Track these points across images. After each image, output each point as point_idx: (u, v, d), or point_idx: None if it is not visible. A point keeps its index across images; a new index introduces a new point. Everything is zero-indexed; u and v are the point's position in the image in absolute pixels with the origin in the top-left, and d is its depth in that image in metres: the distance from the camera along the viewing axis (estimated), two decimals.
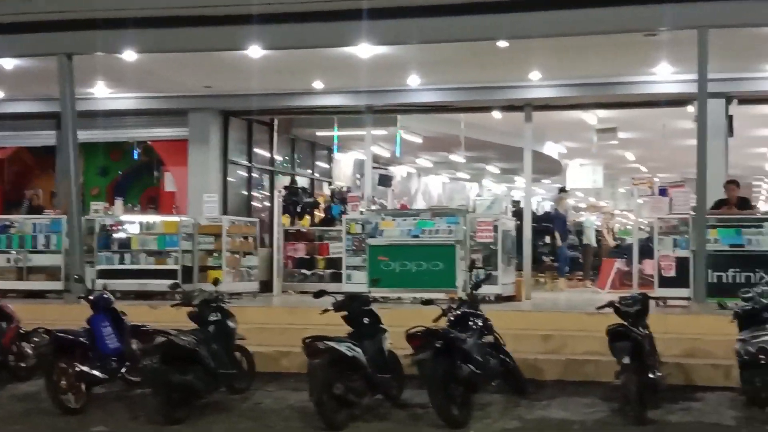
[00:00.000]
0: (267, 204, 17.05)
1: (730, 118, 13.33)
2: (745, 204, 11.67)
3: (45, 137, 16.14)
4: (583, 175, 20.63)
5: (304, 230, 15.31)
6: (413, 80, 13.76)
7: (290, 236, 14.86)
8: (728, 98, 13.10)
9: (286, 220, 15.47)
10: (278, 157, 17.38)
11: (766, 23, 10.45)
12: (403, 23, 10.89)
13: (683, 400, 8.03)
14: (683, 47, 10.86)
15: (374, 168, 17.19)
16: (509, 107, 14.59)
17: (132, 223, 13.64)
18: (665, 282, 11.29)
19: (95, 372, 7.93)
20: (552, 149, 20.00)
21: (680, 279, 11.14)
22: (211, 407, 7.90)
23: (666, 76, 12.95)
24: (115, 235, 13.53)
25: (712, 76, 10.48)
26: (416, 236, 12.29)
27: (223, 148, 15.74)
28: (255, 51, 11.52)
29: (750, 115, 14.64)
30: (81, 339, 7.96)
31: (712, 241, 10.81)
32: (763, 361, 7.16)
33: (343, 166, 20.28)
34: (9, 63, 12.85)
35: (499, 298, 12.21)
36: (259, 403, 8.20)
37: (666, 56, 12.13)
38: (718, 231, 10.96)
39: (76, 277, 10.67)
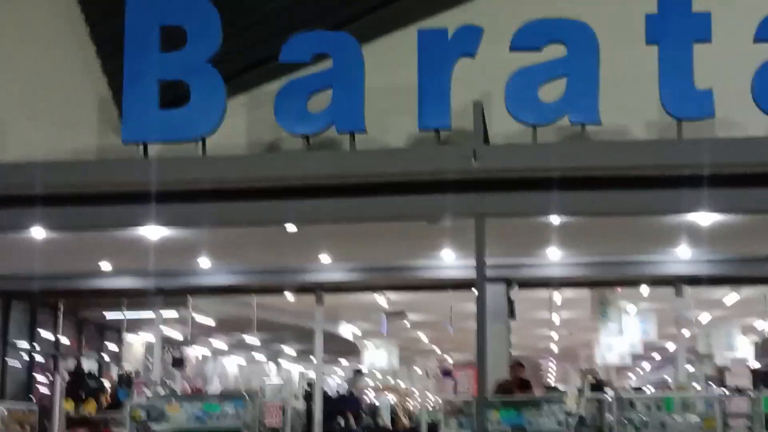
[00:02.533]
0: (49, 389, 16.43)
1: (511, 303, 13.94)
2: (525, 385, 12.13)
3: None
4: (379, 356, 20.93)
5: (89, 416, 14.81)
6: (204, 262, 13.81)
7: (74, 422, 14.34)
8: (509, 282, 13.74)
9: (70, 405, 14.93)
10: (64, 340, 16.89)
11: (541, 213, 11.09)
12: (193, 207, 11.00)
13: None
14: (465, 234, 11.38)
15: (167, 350, 16.94)
16: (301, 289, 14.81)
17: None
18: None
19: None
20: (347, 330, 20.28)
21: None
22: None
23: (450, 260, 13.51)
24: None
25: (493, 262, 10.98)
26: (202, 421, 12.11)
27: (2, 331, 15.19)
28: (38, 232, 11.34)
29: (532, 299, 15.37)
30: None
31: (495, 423, 11.13)
32: None
33: (134, 348, 19.87)
34: None
35: None
36: None
37: (449, 242, 12.68)
38: (500, 412, 11.30)
39: None
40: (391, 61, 12.04)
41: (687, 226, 11.06)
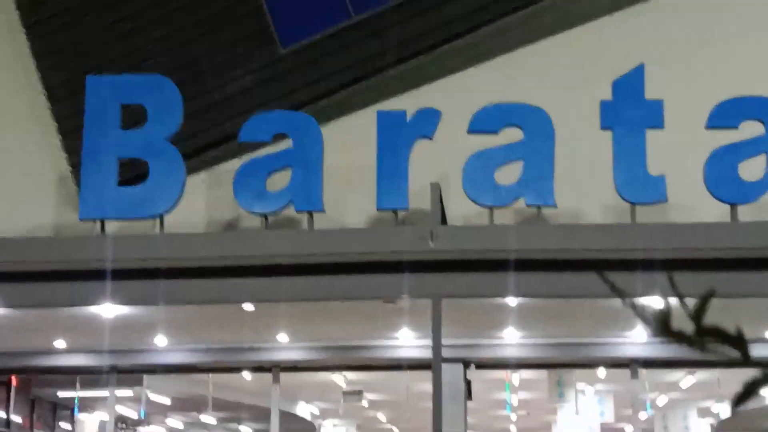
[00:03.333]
0: None
1: (468, 383, 13.90)
2: None
3: None
4: None
5: None
6: (160, 340, 13.69)
7: None
8: (466, 363, 13.71)
9: None
10: (16, 418, 16.59)
11: (497, 294, 11.13)
12: (149, 284, 10.95)
13: None
14: (422, 314, 11.40)
15: (122, 429, 16.69)
16: (258, 368, 14.69)
17: None
18: None
19: None
20: (304, 410, 20.08)
21: None
22: None
23: (408, 341, 13.49)
24: None
25: (450, 342, 11.01)
26: None
27: None
28: None
29: (490, 380, 15.35)
30: None
31: None
32: None
33: (87, 427, 19.53)
34: None
35: None
36: None
37: (407, 322, 12.69)
38: None
39: None
40: (350, 141, 12.18)
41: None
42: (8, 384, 16.19)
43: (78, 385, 15.74)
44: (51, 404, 17.85)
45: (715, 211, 10.89)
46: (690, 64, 12.73)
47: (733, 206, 10.56)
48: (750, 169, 10.70)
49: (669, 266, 10.12)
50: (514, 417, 21.53)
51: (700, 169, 10.65)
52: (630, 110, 10.77)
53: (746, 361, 2.03)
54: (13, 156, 13.51)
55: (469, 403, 14.04)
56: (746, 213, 10.65)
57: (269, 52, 13.55)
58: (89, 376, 15.37)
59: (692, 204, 11.00)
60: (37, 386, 16.80)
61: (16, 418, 16.54)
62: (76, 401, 16.51)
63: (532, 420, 22.06)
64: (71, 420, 18.40)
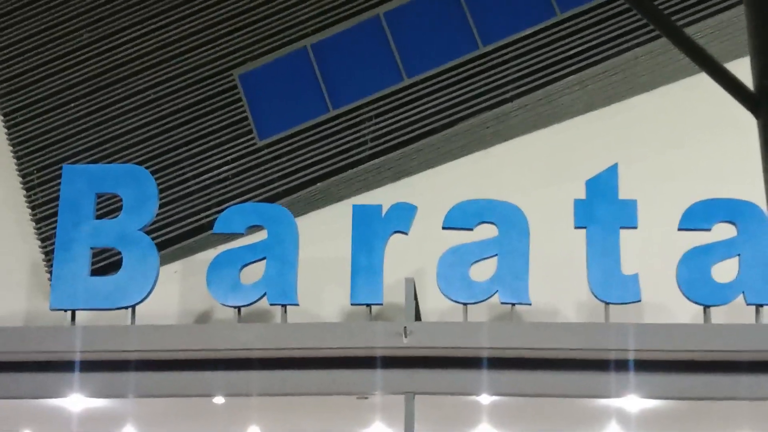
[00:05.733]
0: None
1: None
2: None
3: None
4: None
5: None
6: None
7: None
8: None
9: None
10: None
11: (471, 392, 11.00)
12: (119, 376, 10.78)
13: None
14: (396, 410, 11.26)
15: None
16: None
17: None
18: None
19: None
20: None
21: None
22: None
23: None
24: None
25: None
26: None
27: None
28: None
29: None
30: None
31: None
32: None
33: None
34: None
35: None
36: None
37: (380, 418, 12.53)
38: None
39: None
40: (325, 234, 12.19)
41: (615, 410, 11.09)
42: None
43: None
44: None
45: (689, 312, 10.92)
46: (663, 164, 12.91)
47: (706, 308, 10.59)
48: (723, 272, 10.76)
49: (643, 367, 10.12)
50: None
51: (674, 268, 10.70)
52: (603, 209, 10.83)
53: None
54: None
55: None
56: (719, 315, 10.69)
57: (246, 143, 13.65)
58: None
59: (666, 304, 11.03)
60: None
61: None
62: None
63: None
64: None
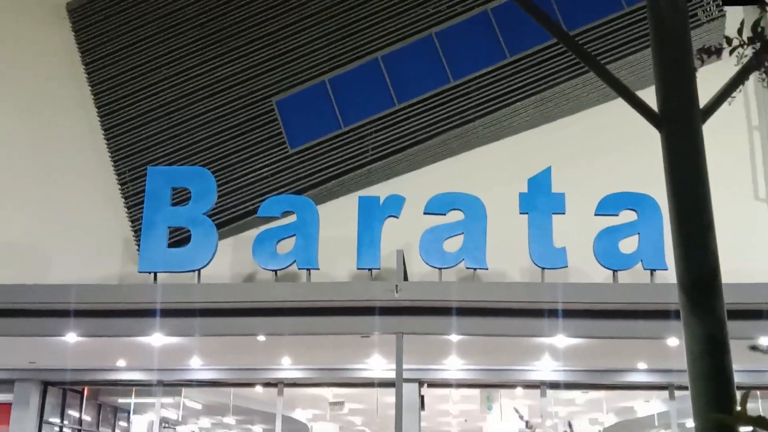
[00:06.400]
0: None
1: (422, 398, 13.76)
2: None
3: None
4: None
5: None
6: (195, 362, 13.52)
7: None
8: (420, 383, 13.59)
9: None
10: (87, 418, 16.29)
11: (445, 332, 11.08)
12: (188, 321, 10.86)
13: None
14: (389, 346, 11.35)
15: (165, 428, 16.37)
16: (267, 384, 14.50)
17: None
18: None
19: None
20: (301, 415, 19.79)
21: None
22: None
23: (378, 365, 13.37)
24: None
25: (409, 367, 10.94)
26: None
27: (40, 411, 14.60)
28: (71, 337, 11.09)
29: (438, 395, 15.19)
30: None
31: None
32: None
33: (138, 426, 19.17)
34: None
35: None
36: None
37: (377, 351, 12.59)
38: None
39: None
40: (339, 218, 12.24)
41: (548, 346, 11.19)
42: (81, 393, 15.92)
43: (133, 394, 15.50)
44: (113, 408, 17.53)
45: (602, 274, 11.01)
46: (585, 167, 12.95)
47: (614, 272, 10.67)
48: (627, 245, 10.84)
49: (569, 315, 10.20)
50: (455, 422, 21.32)
51: (592, 243, 10.77)
52: (541, 200, 10.91)
53: None
54: (91, 224, 13.50)
55: (422, 413, 13.91)
56: (624, 277, 10.77)
57: (281, 151, 13.69)
58: (142, 388, 15.14)
59: (585, 269, 11.11)
60: (102, 395, 16.51)
61: (87, 419, 16.24)
62: (131, 406, 16.24)
63: (469, 425, 21.88)
64: (128, 421, 18.09)
